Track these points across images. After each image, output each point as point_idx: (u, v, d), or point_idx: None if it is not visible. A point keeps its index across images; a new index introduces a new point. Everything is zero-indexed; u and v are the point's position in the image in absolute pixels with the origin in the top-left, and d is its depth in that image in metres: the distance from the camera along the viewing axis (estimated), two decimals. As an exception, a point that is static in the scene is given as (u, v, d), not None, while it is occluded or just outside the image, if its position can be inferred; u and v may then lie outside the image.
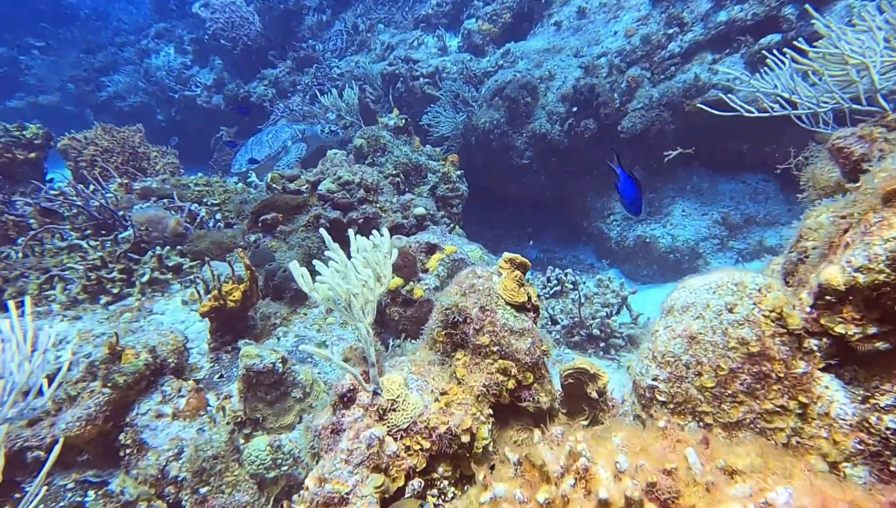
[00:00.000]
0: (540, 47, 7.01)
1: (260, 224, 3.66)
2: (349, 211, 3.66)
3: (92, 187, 3.88)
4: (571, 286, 3.83)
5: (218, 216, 4.28)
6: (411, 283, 2.91)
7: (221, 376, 2.50)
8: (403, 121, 5.07)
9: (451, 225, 4.64)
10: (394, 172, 4.32)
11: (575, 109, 6.31)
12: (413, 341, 3.06)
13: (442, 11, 8.14)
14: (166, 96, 9.71)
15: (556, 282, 3.84)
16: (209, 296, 2.58)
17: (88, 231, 3.75)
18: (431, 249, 3.07)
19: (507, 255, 1.63)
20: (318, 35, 9.02)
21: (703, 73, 5.77)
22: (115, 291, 3.46)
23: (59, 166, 5.58)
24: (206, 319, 2.64)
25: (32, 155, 4.98)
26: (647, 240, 6.05)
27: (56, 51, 11.56)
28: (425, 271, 3.00)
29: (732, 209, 5.93)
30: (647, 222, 6.24)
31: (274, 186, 3.86)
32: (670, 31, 6.13)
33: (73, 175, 5.05)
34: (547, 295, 3.79)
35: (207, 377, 2.52)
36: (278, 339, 2.98)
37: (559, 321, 3.58)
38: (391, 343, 2.73)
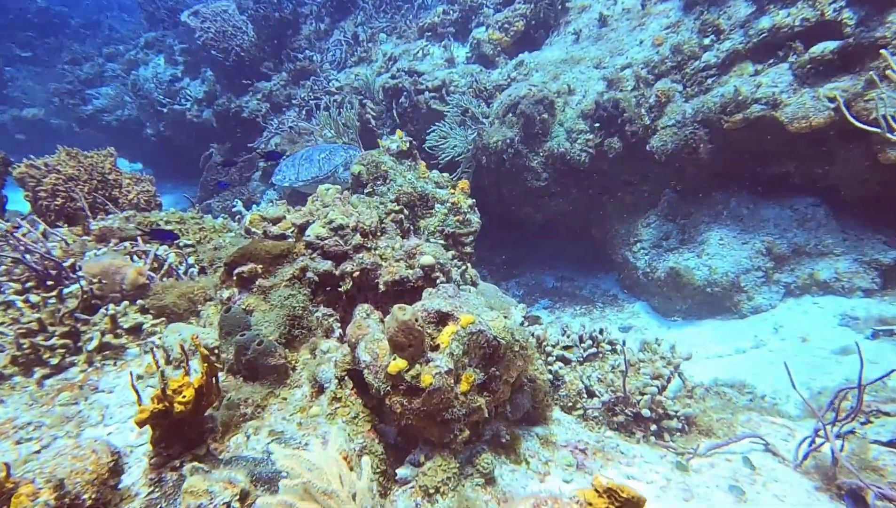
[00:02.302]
0: (557, 58, 6.39)
1: (235, 277, 3.02)
2: (342, 261, 3.02)
3: (31, 236, 3.25)
4: (609, 348, 3.18)
5: (191, 260, 3.65)
6: (417, 366, 2.27)
7: (162, 510, 1.86)
8: (407, 144, 4.45)
9: (463, 266, 4.00)
10: (396, 207, 3.68)
11: (598, 125, 5.68)
12: (422, 448, 2.43)
13: (448, 20, 7.53)
14: (155, 110, 9.14)
15: (590, 341, 3.18)
16: (152, 396, 1.94)
17: (30, 283, 3.13)
18: (443, 318, 2.42)
19: (599, 481, 0.97)
20: (315, 45, 8.44)
21: (744, 85, 5.13)
22: (55, 361, 2.83)
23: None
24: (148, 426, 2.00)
25: (-15, 184, 4.38)
26: (681, 272, 5.39)
27: (43, 61, 11.02)
28: (435, 348, 2.35)
29: (778, 237, 5.27)
30: (680, 251, 5.58)
31: (253, 229, 3.23)
32: (705, 39, 5.50)
33: (31, 207, 4.44)
34: (580, 359, 3.14)
35: (144, 510, 1.88)
36: (247, 437, 2.34)
37: (597, 394, 2.92)
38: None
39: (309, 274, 2.98)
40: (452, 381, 2.28)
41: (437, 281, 3.05)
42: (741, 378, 3.93)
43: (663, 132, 5.45)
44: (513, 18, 6.96)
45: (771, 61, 5.18)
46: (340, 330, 2.90)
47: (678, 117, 5.40)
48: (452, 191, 4.49)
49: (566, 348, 3.07)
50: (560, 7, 6.88)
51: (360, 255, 3.04)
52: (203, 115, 8.48)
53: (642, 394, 2.80)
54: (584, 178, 5.98)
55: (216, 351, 2.73)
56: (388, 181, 4.30)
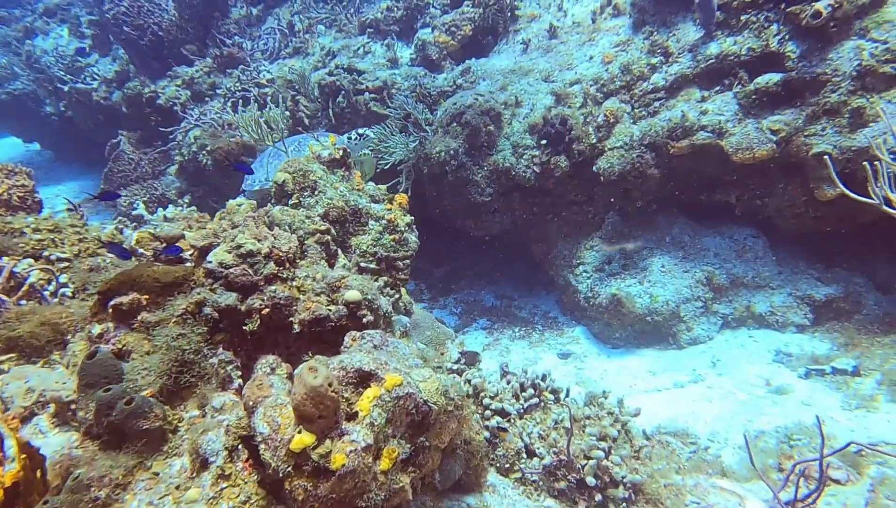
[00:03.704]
0: (505, 67, 6.10)
1: (111, 310, 2.45)
2: (250, 294, 2.52)
3: None
4: (552, 397, 2.87)
5: (63, 278, 3.01)
6: (328, 441, 1.83)
7: None
8: (340, 152, 3.97)
9: (396, 295, 3.58)
10: (322, 226, 3.20)
11: (544, 141, 5.43)
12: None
13: (392, 17, 7.08)
14: (55, 87, 8.05)
15: (531, 390, 2.86)
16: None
17: None
18: (364, 378, 2.00)
19: None
20: (246, 31, 7.71)
21: (691, 111, 5.03)
22: None
23: None
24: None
25: None
26: (623, 299, 5.23)
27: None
28: (353, 416, 1.92)
29: (718, 268, 5.22)
30: (622, 277, 5.43)
31: (141, 250, 2.66)
32: (654, 60, 5.38)
33: None
34: (520, 410, 2.80)
35: None
36: (98, 536, 1.81)
37: (538, 454, 2.60)
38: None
39: (207, 309, 2.45)
40: (371, 459, 1.87)
41: (364, 320, 2.61)
42: (682, 422, 3.76)
43: (611, 154, 5.28)
44: (460, 22, 6.61)
45: (717, 88, 5.12)
46: (241, 380, 2.40)
47: (626, 139, 5.24)
48: (389, 206, 4.05)
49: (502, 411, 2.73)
50: (510, 14, 6.61)
51: (273, 287, 2.54)
52: (112, 97, 7.53)
53: (587, 458, 2.50)
54: (529, 195, 5.72)
55: (72, 407, 2.17)
56: (316, 193, 3.79)
